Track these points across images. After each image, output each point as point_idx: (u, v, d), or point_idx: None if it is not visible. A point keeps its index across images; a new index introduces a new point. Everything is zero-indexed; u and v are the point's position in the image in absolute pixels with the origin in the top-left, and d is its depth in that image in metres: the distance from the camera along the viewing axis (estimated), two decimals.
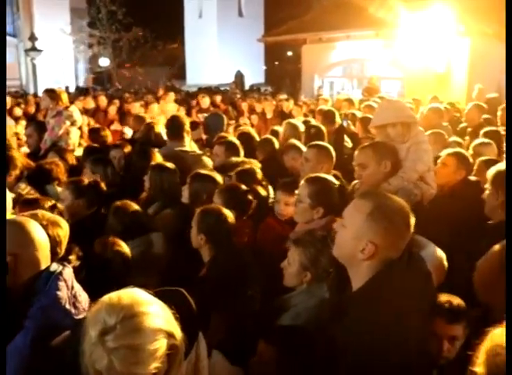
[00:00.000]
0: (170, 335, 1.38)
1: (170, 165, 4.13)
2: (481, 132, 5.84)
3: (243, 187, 3.49)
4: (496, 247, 2.68)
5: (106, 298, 1.39)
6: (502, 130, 6.97)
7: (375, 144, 3.47)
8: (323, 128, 5.64)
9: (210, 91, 15.52)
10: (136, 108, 9.84)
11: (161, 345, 1.35)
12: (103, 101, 11.14)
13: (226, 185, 3.62)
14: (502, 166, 3.27)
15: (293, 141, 4.98)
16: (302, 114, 9.77)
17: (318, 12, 21.48)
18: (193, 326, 1.59)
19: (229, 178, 3.94)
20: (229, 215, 2.97)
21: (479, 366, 1.74)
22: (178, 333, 1.40)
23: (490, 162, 4.09)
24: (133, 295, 1.40)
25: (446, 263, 2.59)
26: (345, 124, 6.82)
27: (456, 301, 2.42)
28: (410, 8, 13.29)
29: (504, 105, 8.60)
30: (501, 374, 1.67)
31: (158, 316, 1.37)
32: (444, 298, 2.45)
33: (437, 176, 4.09)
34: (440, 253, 2.61)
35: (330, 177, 3.17)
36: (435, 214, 3.74)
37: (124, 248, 2.85)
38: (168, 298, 1.48)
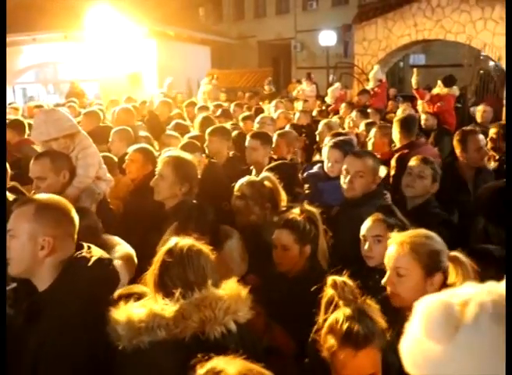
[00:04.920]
0: None
1: None
2: (170, 125, 6.25)
3: None
4: None
5: None
6: (190, 121, 7.62)
7: (51, 153, 3.36)
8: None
9: None
10: None
11: None
12: None
13: None
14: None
15: None
16: None
17: None
18: None
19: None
20: None
21: None
22: None
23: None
24: None
25: (135, 259, 2.70)
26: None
27: None
28: (93, 12, 13.34)
29: (189, 100, 9.46)
30: None
31: None
32: None
33: (127, 171, 4.26)
34: (130, 250, 2.73)
35: None
36: (127, 210, 3.92)
37: None
38: None
